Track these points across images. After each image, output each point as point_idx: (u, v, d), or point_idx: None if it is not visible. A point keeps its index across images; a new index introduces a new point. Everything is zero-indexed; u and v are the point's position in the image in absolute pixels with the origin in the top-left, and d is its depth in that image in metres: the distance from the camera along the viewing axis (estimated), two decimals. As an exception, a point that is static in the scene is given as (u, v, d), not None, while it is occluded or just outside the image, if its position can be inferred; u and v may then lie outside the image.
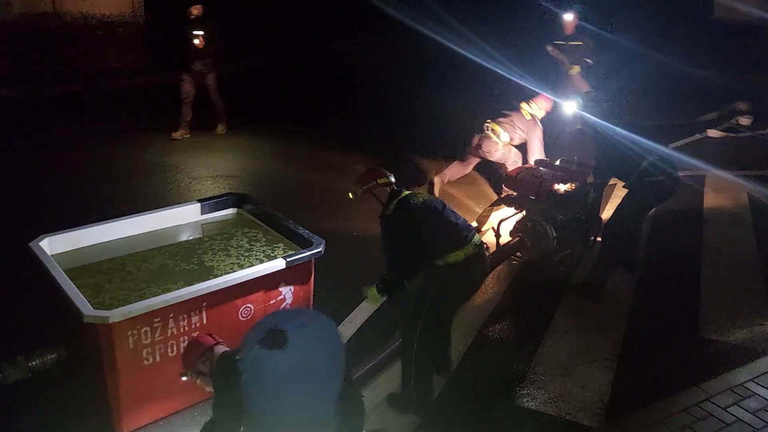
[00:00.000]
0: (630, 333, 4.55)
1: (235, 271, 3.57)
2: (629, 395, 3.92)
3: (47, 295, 3.54)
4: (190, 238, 4.18)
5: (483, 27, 12.53)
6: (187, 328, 3.36)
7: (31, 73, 9.92)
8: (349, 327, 4.42)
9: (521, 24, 13.88)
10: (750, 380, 4.02)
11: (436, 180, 6.97)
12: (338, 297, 4.67)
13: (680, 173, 5.10)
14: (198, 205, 4.31)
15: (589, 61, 8.26)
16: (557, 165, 5.62)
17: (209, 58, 8.00)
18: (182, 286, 3.48)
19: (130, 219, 4.09)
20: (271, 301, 3.63)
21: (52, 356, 3.48)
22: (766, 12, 14.34)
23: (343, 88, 11.56)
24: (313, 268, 3.83)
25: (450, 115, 9.30)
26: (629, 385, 4.01)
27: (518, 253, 5.32)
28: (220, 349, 3.10)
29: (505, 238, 5.42)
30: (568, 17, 8.24)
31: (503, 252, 5.25)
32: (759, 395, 3.88)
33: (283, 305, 3.70)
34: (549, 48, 8.32)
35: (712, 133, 9.26)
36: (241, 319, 3.56)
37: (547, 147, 6.72)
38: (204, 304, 3.38)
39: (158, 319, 3.23)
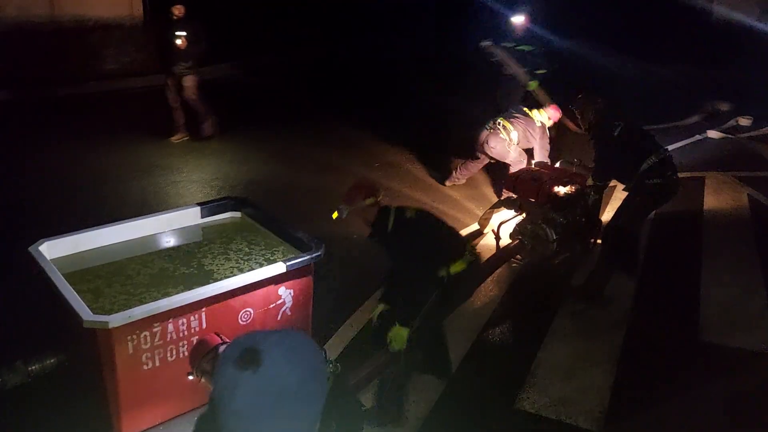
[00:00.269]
0: (630, 336, 4.54)
1: (234, 275, 3.56)
2: (629, 399, 3.92)
3: (47, 299, 3.53)
4: (190, 241, 4.17)
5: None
6: (186, 333, 3.35)
7: (27, 77, 9.90)
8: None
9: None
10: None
11: (448, 184, 7.06)
12: (338, 300, 4.67)
13: (680, 175, 5.09)
14: (197, 209, 4.30)
15: (541, 71, 7.75)
16: (557, 167, 5.62)
17: (192, 60, 7.78)
18: (182, 291, 3.48)
19: (130, 223, 4.09)
20: (271, 305, 3.63)
21: (52, 361, 3.48)
22: (766, 11, 14.35)
23: (340, 89, 11.57)
24: (313, 272, 3.83)
25: (456, 115, 9.30)
26: (629, 389, 4.00)
27: (518, 256, 5.32)
28: (222, 349, 3.15)
29: (505, 240, 5.42)
30: (518, 19, 7.85)
31: (503, 254, 5.24)
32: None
33: (283, 309, 3.70)
34: (492, 48, 7.81)
35: (712, 134, 9.25)
36: (241, 323, 3.56)
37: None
38: (203, 308, 3.37)
39: (158, 324, 3.23)
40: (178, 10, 7.65)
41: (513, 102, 7.41)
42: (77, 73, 10.55)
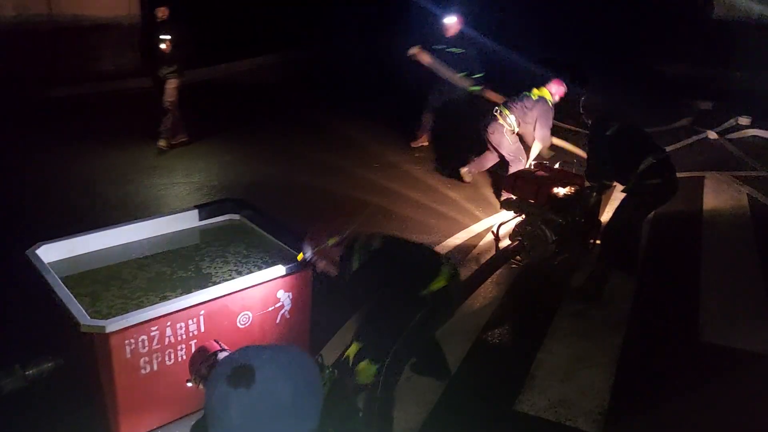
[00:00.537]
0: (629, 337, 4.53)
1: (233, 278, 3.55)
2: (629, 400, 3.91)
3: (44, 303, 3.51)
4: (188, 244, 4.15)
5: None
6: (184, 337, 3.33)
7: (25, 76, 9.85)
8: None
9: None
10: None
11: (464, 171, 7.14)
12: (337, 303, 4.65)
13: (679, 174, 5.08)
14: (195, 211, 4.29)
15: (478, 74, 7.60)
16: (556, 168, 5.61)
17: (176, 64, 7.52)
18: (180, 294, 3.47)
19: (127, 226, 4.07)
20: (270, 308, 3.61)
21: (49, 365, 3.46)
22: (766, 9, 14.32)
23: (339, 89, 11.55)
24: (311, 275, 3.81)
25: (454, 115, 9.28)
26: (629, 391, 4.00)
27: (518, 257, 5.31)
28: (223, 355, 3.14)
29: (504, 241, 5.41)
30: (450, 20, 7.58)
31: (502, 255, 5.23)
32: None
33: (282, 312, 3.68)
34: (420, 56, 7.55)
35: (712, 134, 9.23)
36: (240, 326, 3.54)
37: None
38: (202, 312, 3.36)
39: (155, 328, 3.21)
40: (161, 13, 7.43)
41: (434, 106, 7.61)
42: (75, 74, 10.51)
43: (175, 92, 7.61)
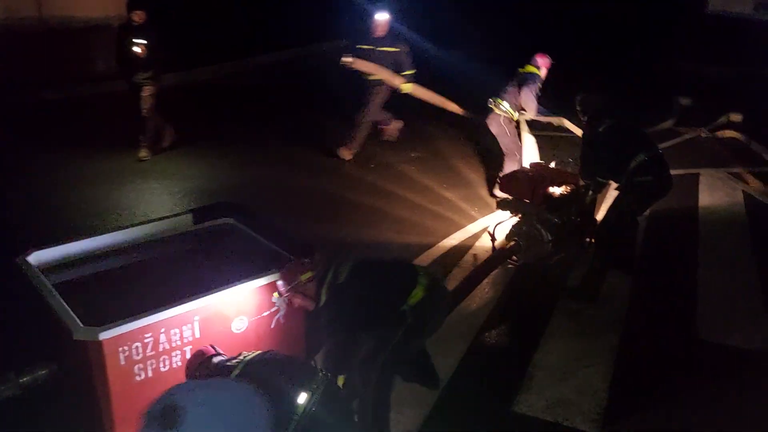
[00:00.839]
0: (627, 336, 4.53)
1: (227, 283, 3.51)
2: (627, 400, 3.91)
3: (37, 310, 3.48)
4: (182, 249, 4.12)
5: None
6: (179, 343, 3.31)
7: (15, 79, 9.75)
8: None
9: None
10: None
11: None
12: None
13: (673, 172, 5.08)
14: (190, 215, 4.26)
15: (409, 71, 7.36)
16: (552, 167, 5.59)
17: (152, 70, 7.28)
18: (174, 300, 3.43)
19: (121, 231, 4.04)
20: (265, 313, 3.59)
21: (44, 372, 3.43)
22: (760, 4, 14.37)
23: (332, 89, 11.51)
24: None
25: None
26: (627, 390, 3.99)
27: (514, 257, 5.29)
28: (217, 359, 3.14)
29: (500, 241, 5.39)
30: (381, 17, 7.18)
31: (499, 256, 5.22)
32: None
33: (277, 316, 3.65)
34: (353, 63, 7.21)
35: (705, 133, 9.18)
36: (235, 331, 3.51)
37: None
38: (196, 317, 3.33)
39: (149, 335, 3.18)
40: (138, 16, 7.17)
41: (377, 110, 7.41)
42: (66, 76, 10.42)
43: (150, 99, 7.39)
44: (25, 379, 3.35)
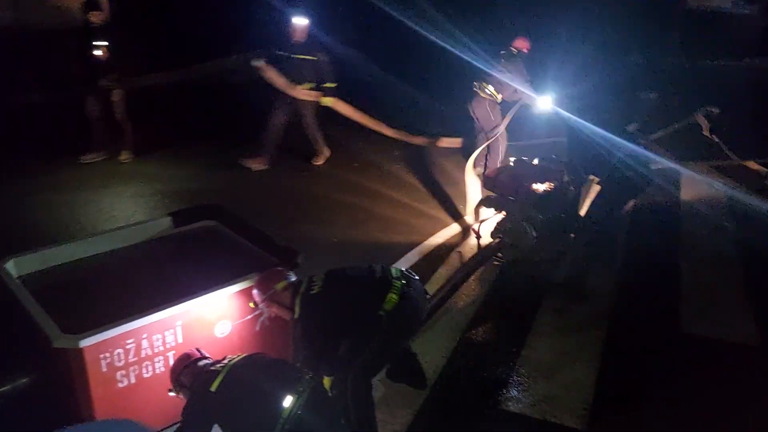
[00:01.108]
0: (612, 331, 4.55)
1: (210, 287, 3.47)
2: (613, 394, 3.92)
3: (15, 318, 3.42)
4: (163, 253, 4.06)
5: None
6: (162, 348, 3.27)
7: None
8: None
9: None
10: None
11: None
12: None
13: (655, 166, 5.10)
14: (169, 219, 4.21)
15: (330, 84, 6.95)
16: (535, 164, 5.60)
17: (116, 73, 6.97)
18: (156, 304, 3.38)
19: (100, 236, 3.99)
20: (249, 316, 3.55)
21: (24, 381, 3.39)
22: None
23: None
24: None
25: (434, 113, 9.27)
26: (613, 384, 4.01)
27: (499, 254, 5.29)
28: (202, 363, 3.12)
29: (486, 239, 5.39)
30: (300, 21, 6.64)
31: (484, 253, 5.22)
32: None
33: (261, 319, 3.62)
34: (257, 63, 6.73)
35: (701, 119, 9.04)
36: (218, 335, 3.48)
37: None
38: (179, 322, 3.29)
39: (131, 341, 3.14)
40: (95, 17, 6.85)
41: (310, 122, 7.07)
42: (41, 79, 10.22)
43: (122, 103, 7.15)
44: (4, 388, 3.31)
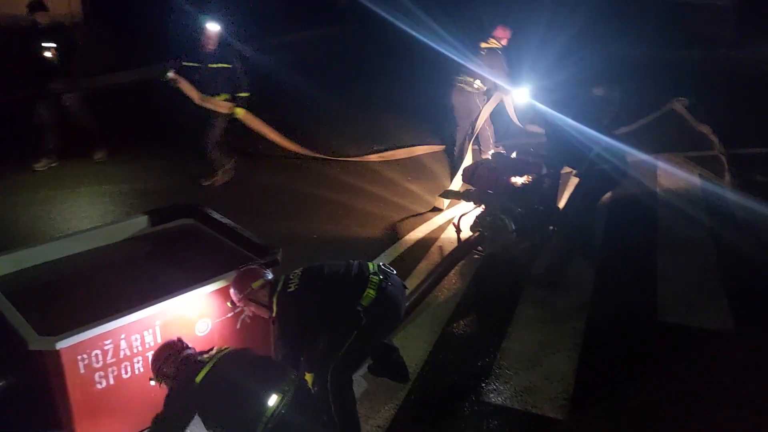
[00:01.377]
0: (591, 321, 4.60)
1: (188, 285, 3.44)
2: (593, 384, 3.97)
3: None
4: (140, 252, 4.02)
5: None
6: (140, 349, 3.24)
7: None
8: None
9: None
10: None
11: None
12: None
13: (631, 158, 5.15)
14: (146, 217, 4.16)
15: (244, 93, 6.35)
16: (513, 158, 5.63)
17: (68, 76, 6.69)
18: (134, 304, 3.34)
19: (75, 236, 3.93)
20: (229, 314, 3.53)
21: (0, 385, 3.33)
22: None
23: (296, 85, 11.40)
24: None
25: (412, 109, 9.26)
26: (592, 374, 4.06)
27: (479, 248, 5.32)
28: (187, 353, 3.10)
29: (465, 233, 5.41)
30: (212, 28, 6.02)
31: (464, 247, 5.24)
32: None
33: (242, 317, 3.60)
34: (170, 75, 6.08)
35: (677, 107, 9.14)
36: (198, 334, 3.46)
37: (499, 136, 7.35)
38: (157, 322, 3.26)
39: (109, 341, 3.11)
40: (41, 17, 6.54)
41: (215, 137, 6.40)
42: (12, 77, 10.01)
43: (82, 105, 6.93)
44: (-20, 392, 3.24)
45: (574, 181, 5.35)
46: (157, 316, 3.24)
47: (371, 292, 3.31)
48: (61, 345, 2.93)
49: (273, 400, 2.94)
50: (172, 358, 3.10)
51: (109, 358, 3.13)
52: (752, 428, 3.65)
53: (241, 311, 3.51)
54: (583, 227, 5.21)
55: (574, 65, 9.53)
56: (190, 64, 6.14)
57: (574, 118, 4.96)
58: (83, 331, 3.00)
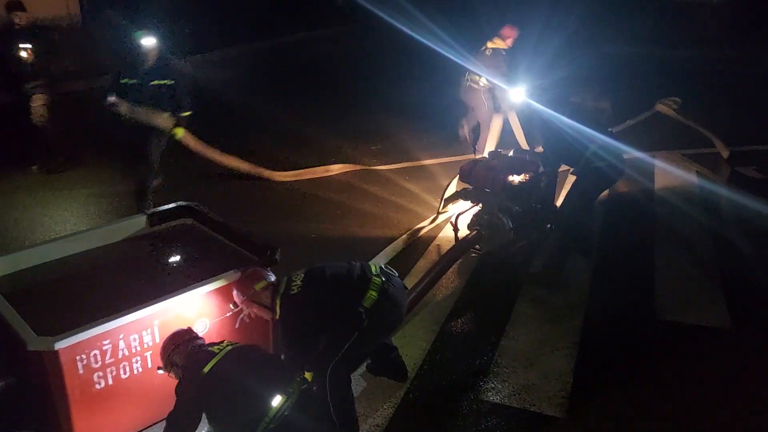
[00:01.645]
0: (589, 319, 4.61)
1: (187, 285, 3.44)
2: (591, 382, 3.98)
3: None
4: (139, 252, 4.02)
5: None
6: (139, 349, 3.24)
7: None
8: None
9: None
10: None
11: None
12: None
13: (628, 156, 5.16)
14: (144, 218, 4.16)
15: (186, 113, 5.81)
16: (511, 156, 5.64)
17: (42, 77, 6.55)
18: (132, 305, 3.35)
19: (74, 237, 3.93)
20: (227, 314, 3.53)
21: (0, 385, 3.33)
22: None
23: (290, 86, 11.41)
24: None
25: (407, 109, 9.25)
26: (591, 372, 4.07)
27: (477, 246, 5.33)
28: (197, 343, 3.11)
29: (463, 231, 5.42)
30: (149, 42, 5.50)
31: (462, 246, 5.25)
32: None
33: (241, 317, 3.61)
34: (111, 99, 5.50)
35: (660, 107, 9.19)
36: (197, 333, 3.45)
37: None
38: (156, 322, 3.26)
39: (108, 342, 3.11)
40: (18, 17, 6.38)
41: (153, 157, 5.81)
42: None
43: (43, 109, 6.70)
44: (-21, 393, 3.24)
45: (571, 179, 5.35)
46: (155, 316, 3.24)
47: (373, 293, 3.33)
48: (60, 345, 2.94)
49: (277, 400, 2.95)
50: (182, 347, 3.12)
51: (107, 358, 3.13)
52: (751, 425, 3.66)
53: (240, 311, 3.52)
54: (581, 225, 5.21)
55: (569, 65, 9.59)
56: (130, 81, 5.58)
57: (569, 117, 4.96)
58: (82, 331, 3.01)
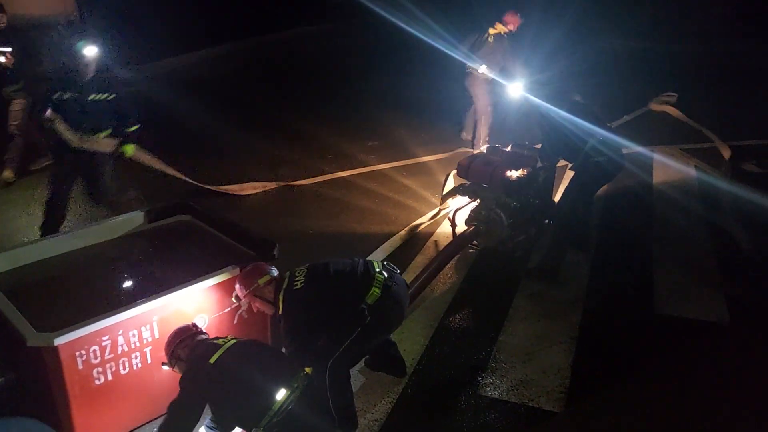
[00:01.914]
0: (587, 314, 4.61)
1: (185, 281, 3.45)
2: (589, 377, 3.98)
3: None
4: (138, 248, 4.03)
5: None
6: (138, 344, 3.25)
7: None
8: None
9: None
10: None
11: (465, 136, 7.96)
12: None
13: (627, 150, 5.15)
14: (142, 214, 4.17)
15: (133, 128, 5.21)
16: (508, 151, 5.64)
17: (22, 81, 6.38)
18: (131, 300, 3.36)
19: (73, 233, 3.94)
20: (226, 310, 3.54)
21: (0, 381, 3.34)
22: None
23: (290, 83, 11.40)
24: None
25: (408, 106, 9.25)
26: (589, 367, 4.07)
27: (474, 242, 5.34)
28: (201, 338, 3.13)
29: (460, 227, 5.43)
30: (90, 51, 4.87)
31: (460, 241, 5.25)
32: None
33: (239, 312, 3.62)
34: (48, 115, 4.92)
35: (654, 106, 9.24)
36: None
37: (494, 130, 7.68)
38: (155, 317, 3.27)
39: (107, 337, 3.12)
40: None
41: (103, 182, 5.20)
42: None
43: (21, 114, 6.50)
44: (-23, 390, 3.26)
45: (569, 174, 5.35)
46: (154, 311, 3.25)
47: (376, 290, 3.34)
48: (59, 341, 2.94)
49: (281, 394, 2.97)
50: (186, 341, 3.13)
51: (107, 354, 3.14)
52: (750, 419, 3.67)
53: (238, 306, 3.53)
54: (579, 220, 5.21)
55: (567, 58, 9.59)
56: (68, 94, 4.93)
57: (568, 112, 4.96)
58: (81, 327, 3.01)
